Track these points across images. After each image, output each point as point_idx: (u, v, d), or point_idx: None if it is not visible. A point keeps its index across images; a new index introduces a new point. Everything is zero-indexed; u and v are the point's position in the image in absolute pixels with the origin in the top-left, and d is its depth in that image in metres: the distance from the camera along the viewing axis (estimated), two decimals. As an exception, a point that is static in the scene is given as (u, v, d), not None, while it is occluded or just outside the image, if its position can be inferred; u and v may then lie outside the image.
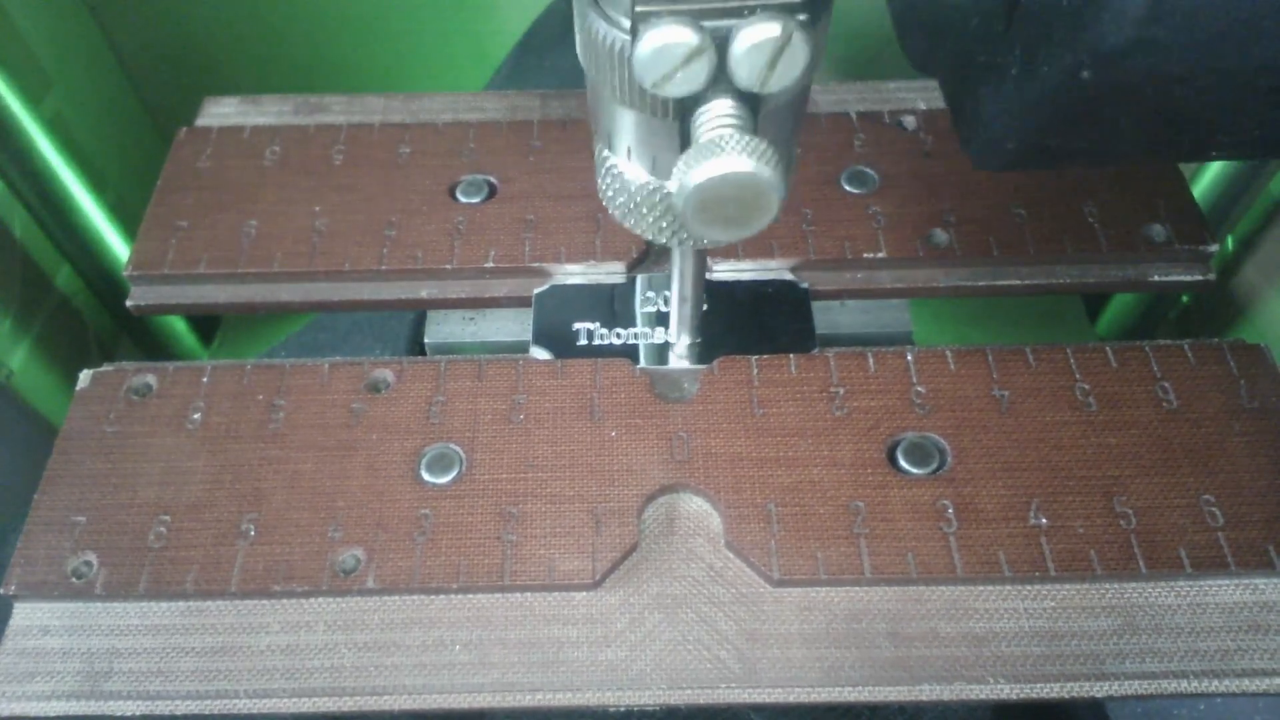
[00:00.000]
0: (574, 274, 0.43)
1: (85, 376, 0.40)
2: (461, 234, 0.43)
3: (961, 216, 0.43)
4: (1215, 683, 0.33)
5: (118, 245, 0.63)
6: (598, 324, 0.41)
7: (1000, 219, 0.43)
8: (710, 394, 0.38)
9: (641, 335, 0.41)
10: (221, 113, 0.50)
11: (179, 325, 0.70)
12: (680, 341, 0.40)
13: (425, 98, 0.50)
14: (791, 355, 0.39)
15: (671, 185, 0.25)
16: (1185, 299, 0.61)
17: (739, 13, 0.24)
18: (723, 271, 0.42)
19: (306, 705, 0.33)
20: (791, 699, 0.33)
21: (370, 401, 0.39)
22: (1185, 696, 0.34)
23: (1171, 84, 0.23)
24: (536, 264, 0.42)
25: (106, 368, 0.40)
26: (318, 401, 0.39)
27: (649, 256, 0.43)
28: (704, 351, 0.40)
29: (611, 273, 0.42)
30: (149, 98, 0.72)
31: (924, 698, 0.33)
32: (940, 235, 0.43)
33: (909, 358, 0.39)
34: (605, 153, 0.30)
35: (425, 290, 0.43)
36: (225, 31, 0.70)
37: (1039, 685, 0.33)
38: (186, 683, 0.33)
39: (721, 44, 0.24)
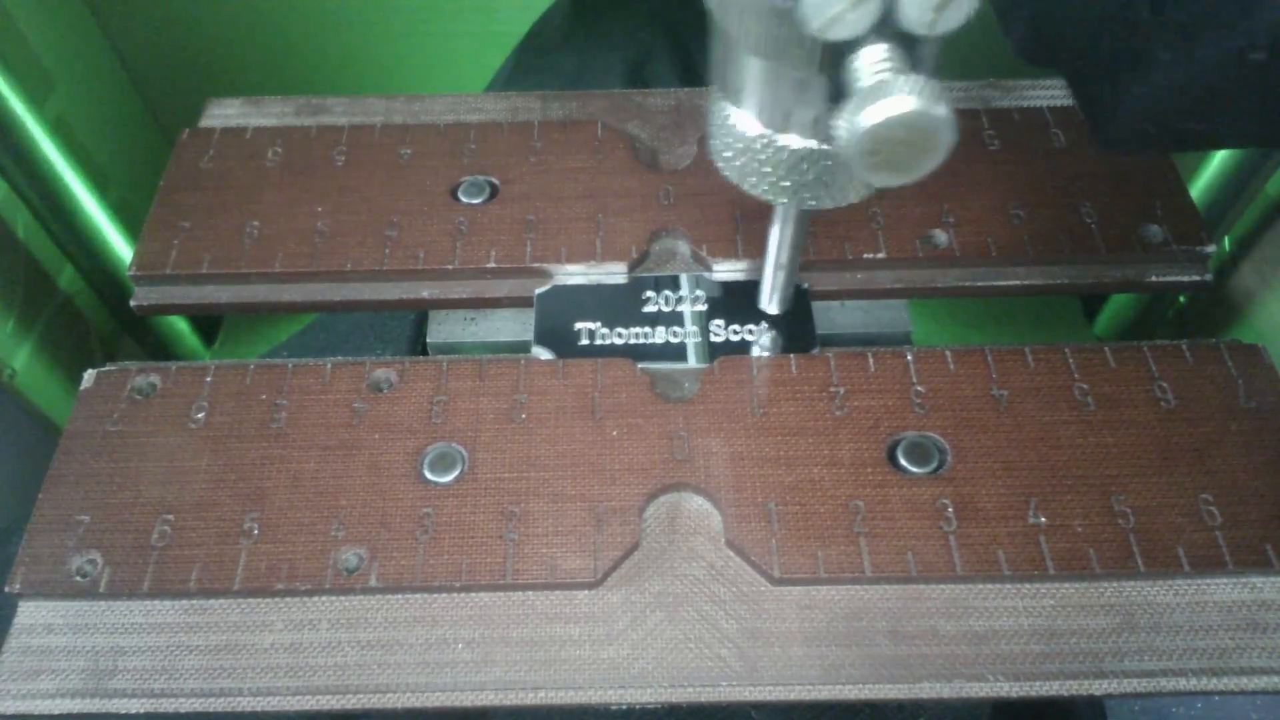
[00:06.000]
0: (575, 274, 0.43)
1: (89, 376, 0.40)
2: (463, 234, 0.43)
3: (960, 217, 0.43)
4: (1213, 681, 0.33)
5: (120, 246, 0.63)
6: (599, 324, 0.41)
7: (999, 220, 0.43)
8: (711, 394, 0.39)
9: (689, 334, 0.41)
10: (224, 114, 0.50)
11: (181, 325, 0.70)
12: (771, 309, 0.40)
13: (426, 99, 0.50)
14: (791, 355, 0.40)
15: (839, 130, 0.25)
16: (1182, 299, 0.61)
17: None
18: (723, 271, 0.43)
19: (310, 703, 0.33)
20: (792, 697, 0.33)
21: (372, 401, 0.39)
22: (1184, 694, 0.35)
23: None
24: (538, 264, 0.43)
25: (110, 367, 0.40)
26: (320, 401, 0.39)
27: (649, 257, 0.44)
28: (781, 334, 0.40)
29: (612, 273, 0.43)
30: (151, 99, 0.72)
31: (924, 696, 0.33)
32: (939, 236, 0.43)
33: (909, 358, 0.39)
34: (727, 109, 0.30)
35: (427, 290, 0.43)
36: (228, 33, 0.70)
37: (1038, 683, 0.33)
38: (190, 680, 0.34)
39: None
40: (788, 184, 0.30)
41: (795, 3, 0.24)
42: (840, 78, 0.26)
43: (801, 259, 0.42)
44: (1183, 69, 0.25)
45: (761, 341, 0.40)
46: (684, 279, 0.43)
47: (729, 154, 0.31)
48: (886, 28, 0.24)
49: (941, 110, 0.24)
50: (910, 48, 0.25)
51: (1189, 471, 0.36)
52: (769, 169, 0.30)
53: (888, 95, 0.24)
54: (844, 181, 0.30)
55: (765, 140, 0.30)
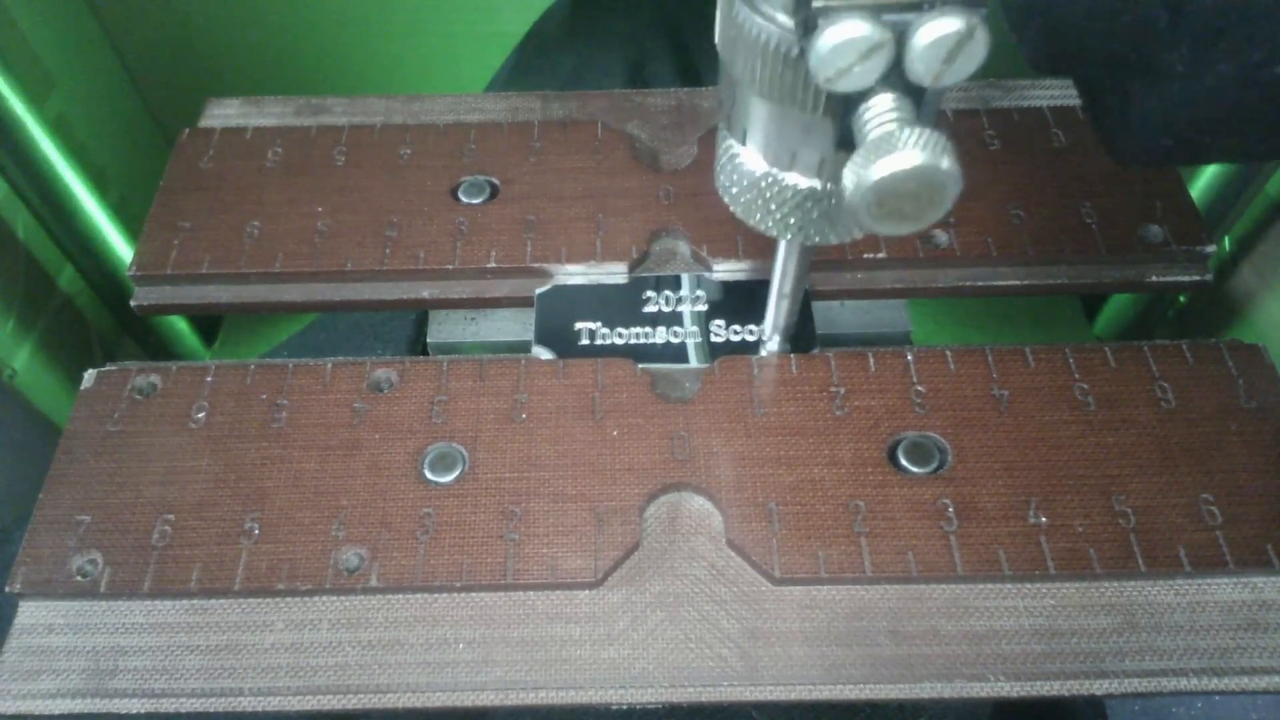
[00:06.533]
0: (575, 274, 0.43)
1: (89, 376, 0.40)
2: (463, 234, 0.43)
3: (960, 217, 0.43)
4: (1214, 681, 0.33)
5: (120, 246, 0.63)
6: (600, 324, 0.41)
7: (999, 220, 0.43)
8: (711, 393, 0.39)
9: (689, 334, 0.41)
10: (224, 114, 0.50)
11: (181, 325, 0.70)
12: (773, 338, 0.40)
13: (426, 99, 0.50)
14: (792, 355, 0.40)
15: (845, 182, 0.25)
16: (1182, 299, 0.61)
17: (919, 6, 0.23)
18: (722, 272, 0.43)
19: (311, 703, 0.33)
20: (793, 697, 0.33)
21: (373, 401, 0.39)
22: (1184, 694, 0.35)
23: None
24: (538, 264, 0.43)
25: (110, 367, 0.40)
26: (320, 401, 0.39)
27: (649, 257, 0.44)
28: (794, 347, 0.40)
29: (612, 273, 0.43)
30: (151, 99, 0.72)
31: (924, 695, 0.33)
32: (940, 236, 0.43)
33: (909, 357, 0.39)
34: (734, 148, 0.30)
35: (427, 290, 0.43)
36: (228, 33, 0.70)
37: (1039, 683, 0.33)
38: (191, 680, 0.33)
39: (898, 38, 0.23)
40: (793, 221, 0.31)
41: (803, 54, 0.24)
42: (847, 122, 0.26)
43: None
44: (1199, 81, 0.25)
45: (768, 347, 0.40)
46: (684, 279, 0.43)
47: (735, 190, 0.31)
48: (894, 78, 0.24)
49: (948, 165, 0.24)
50: (917, 97, 0.25)
51: (1189, 471, 0.36)
52: (774, 206, 0.30)
53: (894, 149, 0.23)
54: (848, 220, 0.30)
55: (771, 179, 0.30)
